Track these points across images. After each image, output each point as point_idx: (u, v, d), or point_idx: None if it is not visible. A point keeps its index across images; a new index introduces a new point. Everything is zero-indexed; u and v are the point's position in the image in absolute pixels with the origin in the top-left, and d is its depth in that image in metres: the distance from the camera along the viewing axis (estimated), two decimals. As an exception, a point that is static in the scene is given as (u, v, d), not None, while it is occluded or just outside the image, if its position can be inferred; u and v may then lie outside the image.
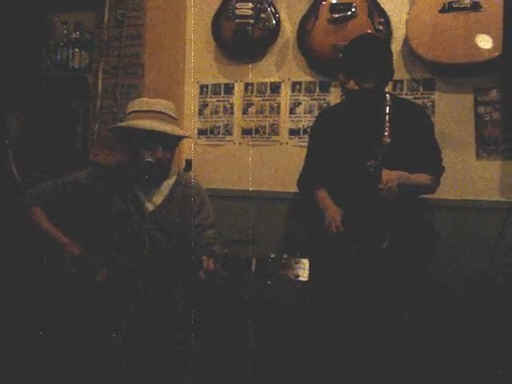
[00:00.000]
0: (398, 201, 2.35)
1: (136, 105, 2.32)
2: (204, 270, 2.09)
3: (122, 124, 2.30)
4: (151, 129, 2.19)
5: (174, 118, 2.31)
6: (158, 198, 2.33)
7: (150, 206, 2.32)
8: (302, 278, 1.89)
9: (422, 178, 2.47)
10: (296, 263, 1.89)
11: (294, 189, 2.91)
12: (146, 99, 2.34)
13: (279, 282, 1.92)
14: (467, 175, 2.80)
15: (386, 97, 2.41)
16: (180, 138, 2.34)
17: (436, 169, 2.52)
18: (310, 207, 2.62)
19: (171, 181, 2.38)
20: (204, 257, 2.11)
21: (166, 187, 2.36)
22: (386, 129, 2.34)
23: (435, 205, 2.82)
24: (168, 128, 2.22)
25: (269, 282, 1.93)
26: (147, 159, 2.21)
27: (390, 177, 2.33)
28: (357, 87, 2.36)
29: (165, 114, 2.27)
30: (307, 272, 1.89)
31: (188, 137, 2.45)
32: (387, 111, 2.36)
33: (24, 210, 2.33)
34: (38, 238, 2.33)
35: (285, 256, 1.92)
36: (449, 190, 2.80)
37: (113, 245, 2.24)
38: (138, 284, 2.19)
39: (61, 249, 2.24)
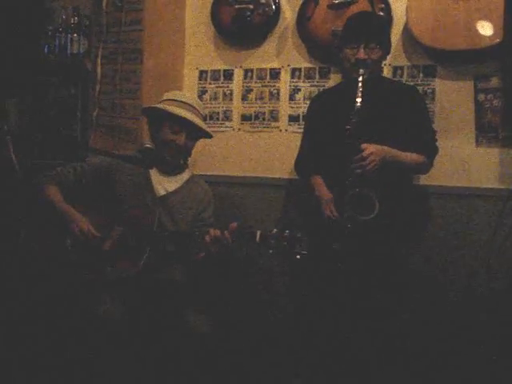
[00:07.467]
0: (383, 176, 2.35)
1: (172, 95, 2.49)
2: (210, 237, 2.18)
3: (159, 105, 2.43)
4: (183, 116, 2.36)
5: (202, 115, 2.50)
6: (171, 186, 2.48)
7: (161, 191, 2.45)
8: (301, 251, 2.05)
9: (412, 157, 2.46)
10: (296, 238, 2.06)
11: (293, 175, 2.93)
12: (183, 93, 2.67)
13: (280, 252, 2.08)
14: (466, 162, 2.80)
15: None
16: (203, 133, 2.50)
17: (429, 149, 2.53)
18: (306, 192, 2.65)
19: (185, 176, 2.54)
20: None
21: (179, 179, 2.52)
22: (359, 93, 2.34)
23: (434, 191, 2.82)
24: (197, 120, 2.41)
25: (270, 251, 2.08)
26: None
27: (370, 150, 2.31)
28: (366, 56, 2.40)
29: (196, 109, 2.45)
30: (306, 246, 2.05)
31: (210, 136, 2.56)
32: (360, 79, 2.37)
33: (38, 188, 2.41)
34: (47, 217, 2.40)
35: (287, 231, 2.07)
36: (448, 176, 2.81)
37: (123, 222, 2.34)
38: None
39: (70, 223, 2.31)
